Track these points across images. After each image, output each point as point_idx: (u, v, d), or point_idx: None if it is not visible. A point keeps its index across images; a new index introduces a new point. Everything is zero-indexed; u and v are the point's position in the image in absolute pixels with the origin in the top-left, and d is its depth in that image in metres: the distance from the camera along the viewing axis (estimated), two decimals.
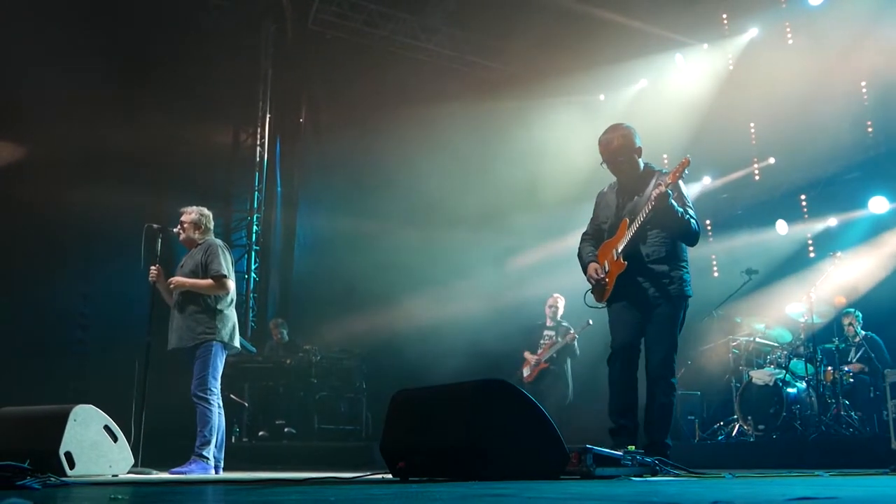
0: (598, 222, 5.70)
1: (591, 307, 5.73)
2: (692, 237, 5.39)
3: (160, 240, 6.94)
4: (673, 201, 5.20)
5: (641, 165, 5.52)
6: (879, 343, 8.90)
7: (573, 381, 10.11)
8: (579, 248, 5.77)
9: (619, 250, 5.38)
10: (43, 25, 10.37)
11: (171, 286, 6.68)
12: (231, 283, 6.68)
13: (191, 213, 6.88)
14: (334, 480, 4.53)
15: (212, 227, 6.99)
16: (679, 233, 5.33)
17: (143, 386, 6.67)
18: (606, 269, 5.51)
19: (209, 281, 6.59)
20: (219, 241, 6.83)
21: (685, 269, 5.43)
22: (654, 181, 5.41)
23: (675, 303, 5.36)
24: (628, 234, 5.36)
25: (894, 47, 9.65)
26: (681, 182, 5.42)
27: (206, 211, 6.97)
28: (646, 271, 5.35)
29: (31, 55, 10.22)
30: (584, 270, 5.65)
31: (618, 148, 5.45)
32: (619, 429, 5.27)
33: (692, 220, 5.31)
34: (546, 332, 10.33)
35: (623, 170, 5.48)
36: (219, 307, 6.62)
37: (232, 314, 6.73)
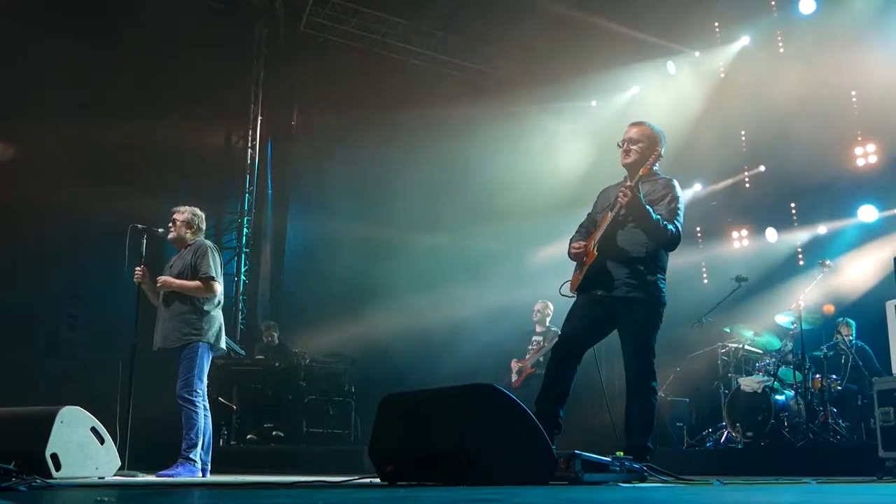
0: (594, 214, 5.71)
1: (564, 296, 5.64)
2: (667, 241, 5.30)
3: (145, 240, 6.91)
4: (643, 198, 5.19)
5: (653, 167, 5.45)
6: (869, 352, 8.92)
7: None
8: (571, 237, 5.74)
9: (595, 241, 5.37)
10: (34, 24, 10.34)
11: (159, 286, 6.66)
12: (218, 286, 6.64)
13: (183, 213, 6.87)
14: (322, 484, 4.52)
15: (204, 228, 6.96)
16: (651, 234, 5.26)
17: (129, 388, 6.64)
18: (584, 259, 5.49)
19: (197, 283, 6.57)
20: (209, 243, 6.80)
21: (661, 277, 5.36)
22: (652, 185, 5.43)
23: (651, 306, 5.28)
24: (604, 227, 5.36)
25: (884, 57, 9.69)
26: (678, 188, 5.43)
27: (199, 211, 6.95)
28: (621, 268, 5.29)
29: (21, 54, 10.18)
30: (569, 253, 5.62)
31: (640, 133, 5.48)
32: (538, 413, 5.11)
33: (668, 225, 5.23)
34: (534, 338, 10.34)
35: (632, 157, 5.44)
36: (205, 308, 6.59)
37: (218, 315, 6.70)
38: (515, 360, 10.36)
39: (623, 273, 5.29)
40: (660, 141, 5.50)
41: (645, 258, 5.29)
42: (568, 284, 5.59)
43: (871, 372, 8.54)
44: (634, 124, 5.59)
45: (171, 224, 6.85)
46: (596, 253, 5.32)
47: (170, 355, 6.60)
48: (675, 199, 5.39)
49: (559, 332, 10.10)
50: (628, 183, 5.25)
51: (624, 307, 5.29)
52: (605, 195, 5.69)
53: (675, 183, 5.48)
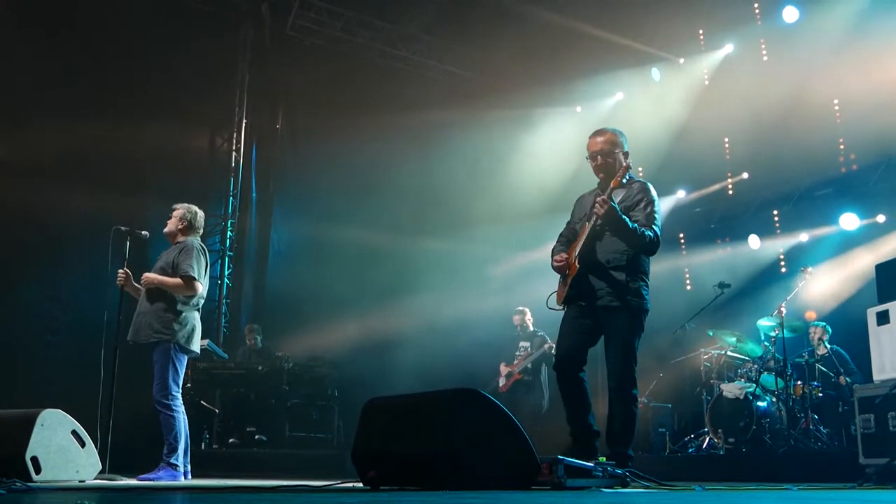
0: (573, 223, 5.71)
1: (551, 309, 5.65)
2: (646, 247, 5.32)
3: (128, 242, 6.87)
4: (618, 209, 5.22)
5: (621, 167, 5.51)
6: (845, 356, 8.99)
7: (549, 391, 10.10)
8: (553, 247, 5.76)
9: (576, 253, 5.39)
10: (17, 26, 10.28)
11: (142, 283, 6.61)
12: (199, 286, 6.57)
13: (179, 209, 6.87)
14: (305, 489, 4.50)
15: (197, 226, 6.88)
16: (628, 241, 5.28)
17: (110, 391, 6.59)
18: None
19: (178, 280, 6.52)
20: (197, 244, 6.73)
21: (644, 283, 5.37)
22: (627, 190, 5.44)
23: (633, 314, 5.29)
24: (583, 238, 5.38)
25: (866, 65, 9.76)
26: (652, 191, 5.44)
27: (194, 208, 6.91)
28: (604, 278, 5.30)
29: (3, 55, 10.11)
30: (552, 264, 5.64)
31: (607, 142, 5.50)
32: (579, 432, 5.23)
33: (646, 231, 5.26)
34: (521, 344, 10.36)
35: (605, 169, 5.47)
36: (179, 307, 6.53)
37: (192, 316, 6.62)
38: (504, 363, 10.36)
39: (605, 282, 5.31)
40: (622, 142, 5.55)
41: (626, 266, 5.31)
42: (554, 296, 5.61)
43: (848, 374, 8.63)
44: (598, 133, 5.59)
45: (169, 218, 6.86)
46: (578, 265, 5.34)
47: (145, 354, 6.56)
48: (651, 202, 5.40)
49: (546, 337, 10.17)
50: (602, 196, 5.22)
51: (607, 315, 5.31)
52: (582, 203, 5.70)
53: (650, 186, 5.50)
